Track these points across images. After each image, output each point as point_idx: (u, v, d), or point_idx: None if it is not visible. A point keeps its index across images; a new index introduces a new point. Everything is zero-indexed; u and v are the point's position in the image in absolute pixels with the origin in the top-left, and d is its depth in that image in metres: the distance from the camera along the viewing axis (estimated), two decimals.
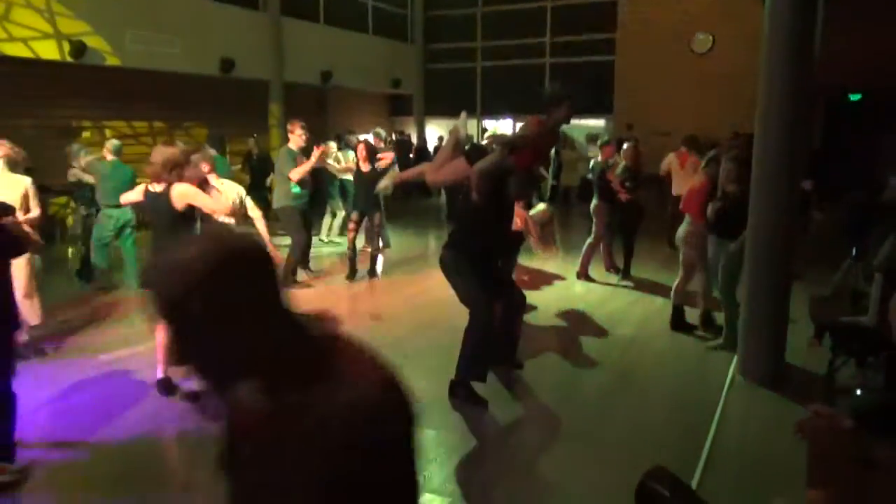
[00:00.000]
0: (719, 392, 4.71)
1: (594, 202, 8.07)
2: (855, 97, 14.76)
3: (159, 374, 4.65)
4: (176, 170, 4.39)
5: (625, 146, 8.13)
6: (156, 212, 4.51)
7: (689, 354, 5.57)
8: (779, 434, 3.83)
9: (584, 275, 8.18)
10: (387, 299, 7.39)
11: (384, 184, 6.11)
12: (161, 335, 4.41)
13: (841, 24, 7.37)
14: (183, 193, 4.40)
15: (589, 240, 8.13)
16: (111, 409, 4.42)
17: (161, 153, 4.52)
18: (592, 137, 16.48)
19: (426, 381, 4.91)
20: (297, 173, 7.17)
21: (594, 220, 8.07)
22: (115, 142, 7.40)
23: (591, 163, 8.33)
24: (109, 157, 7.19)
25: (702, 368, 5.27)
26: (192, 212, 4.48)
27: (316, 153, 7.31)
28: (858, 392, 3.68)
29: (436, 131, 18.91)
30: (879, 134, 13.12)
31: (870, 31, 8.37)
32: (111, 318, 6.41)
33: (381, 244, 8.76)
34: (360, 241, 9.70)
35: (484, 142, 7.24)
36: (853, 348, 4.18)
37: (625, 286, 7.89)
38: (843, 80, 12.01)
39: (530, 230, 5.77)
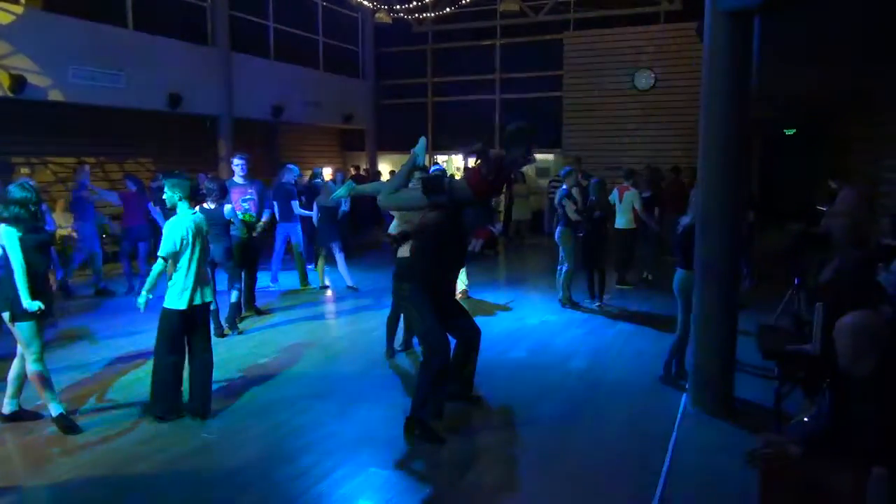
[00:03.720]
0: (672, 422, 4.76)
1: (560, 229, 8.33)
2: (790, 132, 15.47)
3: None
4: None
5: (592, 181, 8.63)
6: None
7: (642, 386, 5.62)
8: (732, 463, 3.88)
9: (569, 301, 8.43)
10: (337, 335, 7.28)
11: (341, 193, 6.07)
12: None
13: (775, 62, 7.73)
14: None
15: (564, 267, 8.35)
16: None
17: None
18: (542, 171, 16.86)
19: (380, 420, 4.85)
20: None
21: (562, 247, 8.31)
22: None
23: (558, 191, 8.60)
24: None
25: (654, 400, 5.32)
26: None
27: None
28: (805, 419, 3.76)
29: (387, 166, 18.97)
30: (813, 166, 13.75)
31: (802, 70, 8.81)
32: None
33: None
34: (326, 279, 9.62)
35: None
36: (799, 376, 4.29)
37: (593, 311, 8.19)
38: (778, 115, 12.56)
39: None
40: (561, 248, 8.37)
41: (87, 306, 8.46)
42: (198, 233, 4.90)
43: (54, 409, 4.60)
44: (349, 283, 9.36)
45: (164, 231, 4.80)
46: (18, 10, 9.85)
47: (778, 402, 4.40)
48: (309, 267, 9.87)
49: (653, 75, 15.75)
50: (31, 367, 4.52)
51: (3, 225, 4.38)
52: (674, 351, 5.58)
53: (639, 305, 8.50)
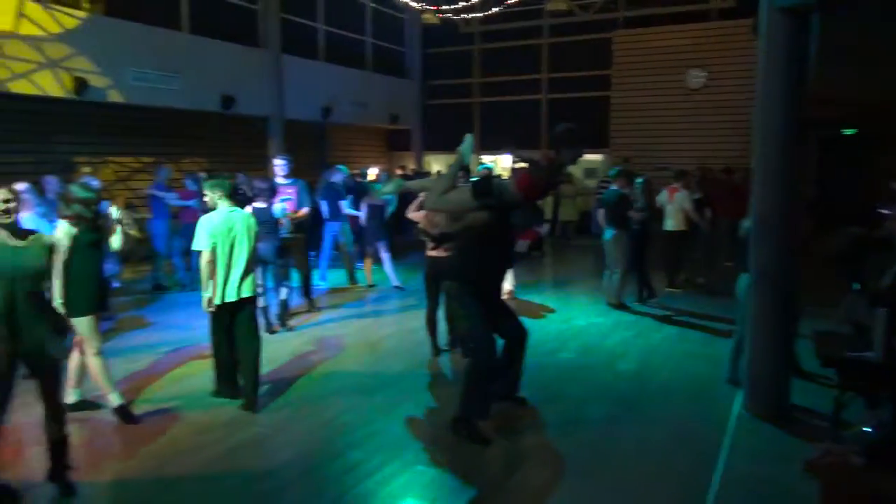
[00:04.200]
0: (724, 427, 4.66)
1: (612, 233, 8.21)
2: (849, 132, 14.93)
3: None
4: None
5: (638, 180, 8.44)
6: None
7: (693, 389, 5.52)
8: (787, 472, 3.78)
9: (619, 303, 8.31)
10: (385, 334, 7.35)
11: (388, 189, 6.11)
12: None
13: (834, 60, 7.48)
14: None
15: (615, 270, 8.30)
16: None
17: None
18: (590, 172, 16.69)
19: (426, 419, 4.88)
20: None
21: (615, 250, 8.19)
22: None
23: (607, 192, 8.53)
24: None
25: (706, 403, 5.22)
26: None
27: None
28: (866, 429, 3.63)
29: (434, 166, 19.04)
30: (872, 168, 13.25)
31: (863, 68, 8.50)
32: None
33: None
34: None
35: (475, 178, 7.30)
36: (860, 385, 4.14)
37: (641, 313, 8.10)
38: (837, 115, 12.15)
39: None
40: (612, 250, 8.28)
41: (144, 301, 8.74)
42: (234, 230, 5.04)
43: (114, 400, 4.77)
44: (395, 282, 9.43)
45: (197, 226, 5.02)
46: (82, 14, 10.24)
47: (837, 410, 4.26)
48: (356, 265, 9.99)
49: (704, 74, 15.42)
50: (91, 360, 4.70)
51: (63, 222, 4.55)
52: (735, 354, 5.45)
53: (688, 308, 8.35)
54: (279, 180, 7.87)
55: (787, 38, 4.56)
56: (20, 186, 6.11)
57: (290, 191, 7.77)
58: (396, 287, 9.40)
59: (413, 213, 6.23)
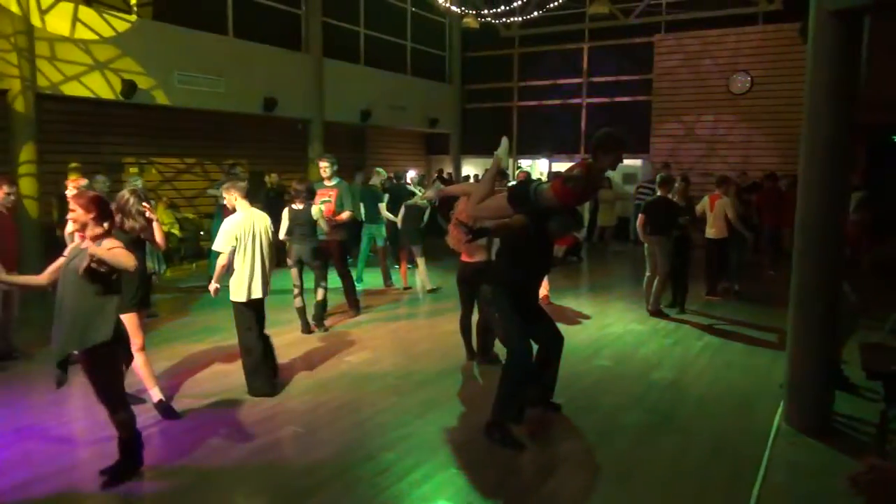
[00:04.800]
0: (764, 439, 4.55)
1: (654, 238, 8.13)
2: None
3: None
4: None
5: (676, 184, 8.33)
6: None
7: (733, 400, 5.40)
8: (829, 487, 3.68)
9: (657, 312, 8.22)
10: (419, 336, 7.37)
11: (429, 194, 6.12)
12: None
13: (886, 63, 7.27)
14: None
15: (655, 277, 8.20)
16: None
17: None
18: (629, 177, 16.50)
19: (460, 422, 4.88)
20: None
21: (658, 255, 8.08)
22: None
23: (646, 199, 8.46)
24: None
25: (745, 415, 5.11)
26: None
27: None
28: None
29: (471, 169, 19.06)
30: None
31: None
32: None
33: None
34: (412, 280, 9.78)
35: (512, 182, 7.26)
36: None
37: (679, 321, 7.99)
38: (888, 119, 11.78)
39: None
40: (652, 256, 8.17)
41: (191, 299, 8.93)
42: (254, 231, 5.27)
43: (155, 395, 4.88)
44: (429, 286, 9.46)
45: (220, 228, 5.29)
46: (132, 18, 10.54)
47: (883, 424, 4.13)
48: (392, 267, 10.05)
49: (749, 78, 15.12)
50: (135, 356, 4.83)
51: None
52: None
53: (729, 317, 8.19)
54: (325, 182, 7.88)
55: (837, 41, 4.43)
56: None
57: (331, 193, 7.82)
58: (430, 291, 9.43)
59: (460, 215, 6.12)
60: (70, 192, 6.76)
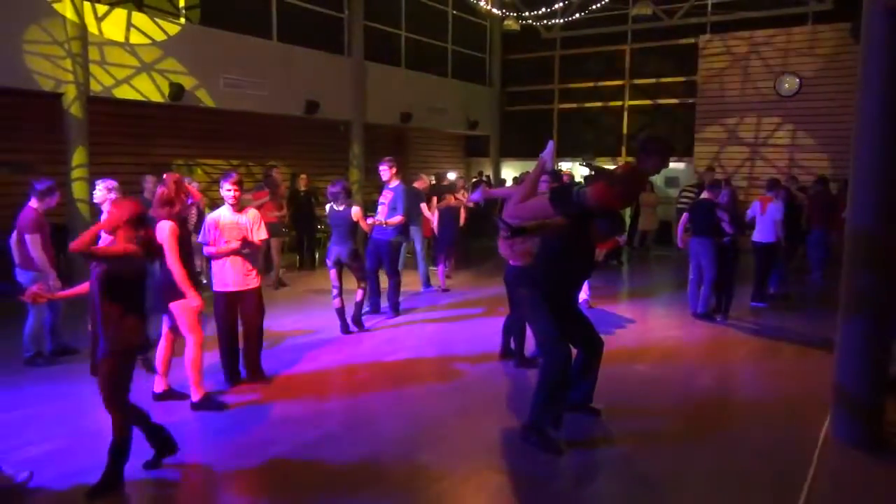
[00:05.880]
0: (810, 450, 4.41)
1: (700, 242, 7.97)
2: None
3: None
4: None
5: (723, 189, 8.20)
6: None
7: (776, 410, 5.26)
8: (876, 501, 3.56)
9: (701, 317, 8.09)
10: (458, 338, 7.37)
11: (475, 197, 6.13)
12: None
13: None
14: None
15: (703, 279, 8.05)
16: None
17: None
18: (671, 180, 16.25)
19: (497, 424, 4.86)
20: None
21: (702, 259, 7.94)
22: None
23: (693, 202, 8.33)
24: None
25: (790, 425, 4.97)
26: None
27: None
28: None
29: (511, 172, 18.99)
30: None
31: None
32: None
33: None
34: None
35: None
36: None
37: (724, 327, 7.84)
38: None
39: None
40: (698, 260, 8.01)
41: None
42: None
43: (200, 391, 4.99)
44: (444, 286, 9.81)
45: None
46: (182, 21, 10.80)
47: None
48: (431, 268, 10.11)
49: (798, 80, 14.73)
50: (189, 352, 4.95)
51: (166, 222, 4.81)
52: None
53: (776, 323, 7.99)
54: (388, 185, 8.05)
55: (891, 40, 4.29)
56: (110, 183, 6.53)
57: (388, 195, 7.96)
58: (445, 290, 9.68)
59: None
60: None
